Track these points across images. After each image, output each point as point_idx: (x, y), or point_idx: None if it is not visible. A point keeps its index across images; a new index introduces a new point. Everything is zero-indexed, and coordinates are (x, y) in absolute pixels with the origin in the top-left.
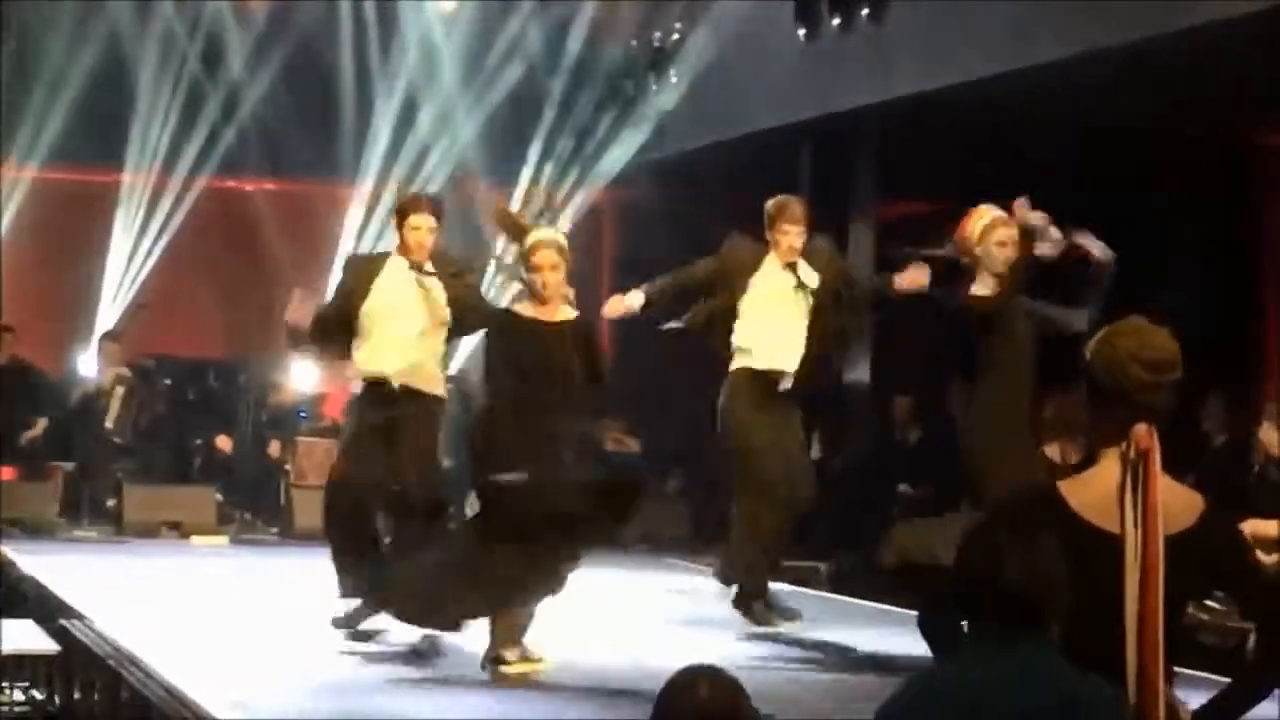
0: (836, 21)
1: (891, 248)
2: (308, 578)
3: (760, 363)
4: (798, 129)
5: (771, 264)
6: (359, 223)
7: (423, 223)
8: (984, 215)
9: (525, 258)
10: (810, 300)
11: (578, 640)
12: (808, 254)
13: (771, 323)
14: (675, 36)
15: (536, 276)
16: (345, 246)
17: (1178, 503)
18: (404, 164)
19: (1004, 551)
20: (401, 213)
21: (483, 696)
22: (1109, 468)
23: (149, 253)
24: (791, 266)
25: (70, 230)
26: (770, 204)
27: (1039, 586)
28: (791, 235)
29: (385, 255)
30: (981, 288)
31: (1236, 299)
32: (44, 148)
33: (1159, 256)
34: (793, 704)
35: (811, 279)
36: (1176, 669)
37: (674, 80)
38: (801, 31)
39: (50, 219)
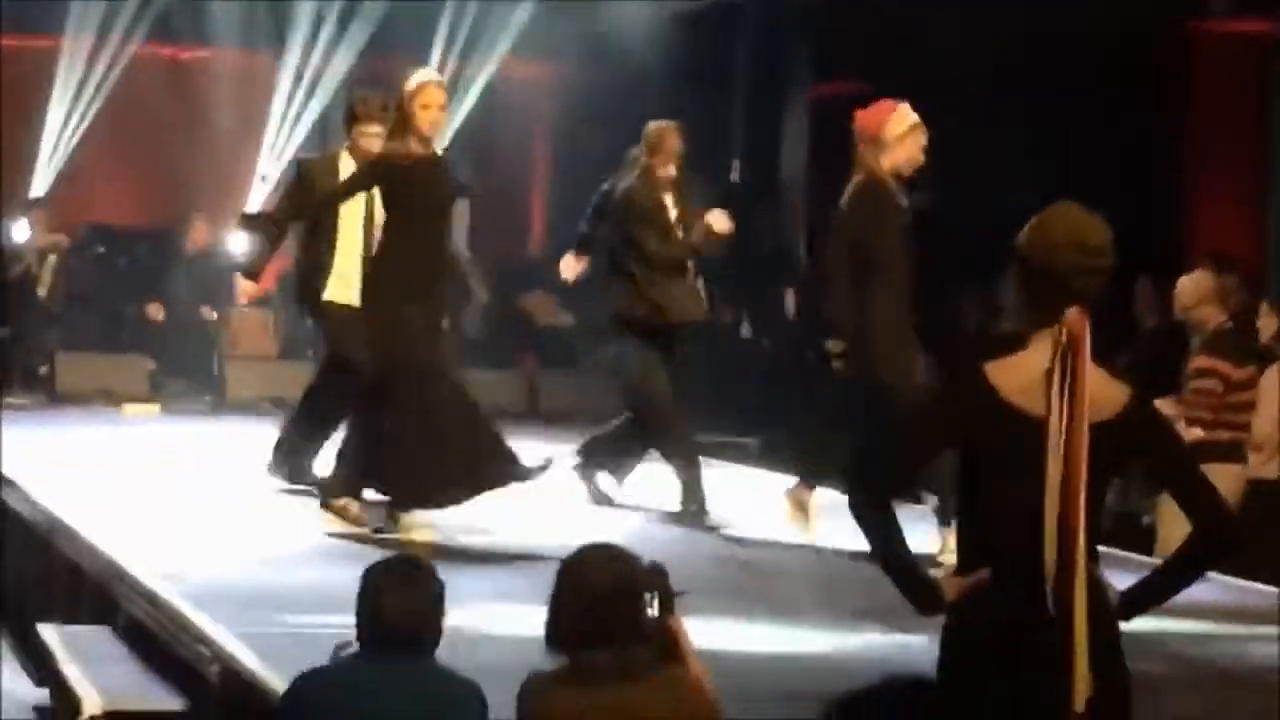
0: None
1: (825, 130)
2: (239, 447)
3: None
4: (732, 8)
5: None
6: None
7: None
8: (907, 116)
9: (412, 97)
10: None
11: (502, 515)
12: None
13: None
14: None
15: (425, 114)
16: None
17: (1105, 391)
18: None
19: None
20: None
21: None
22: (1038, 351)
23: (83, 119)
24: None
25: (6, 95)
26: (652, 130)
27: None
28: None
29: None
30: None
31: (1165, 186)
32: None
33: (1090, 148)
34: (710, 581)
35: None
36: (1101, 548)
37: None
38: None
39: None
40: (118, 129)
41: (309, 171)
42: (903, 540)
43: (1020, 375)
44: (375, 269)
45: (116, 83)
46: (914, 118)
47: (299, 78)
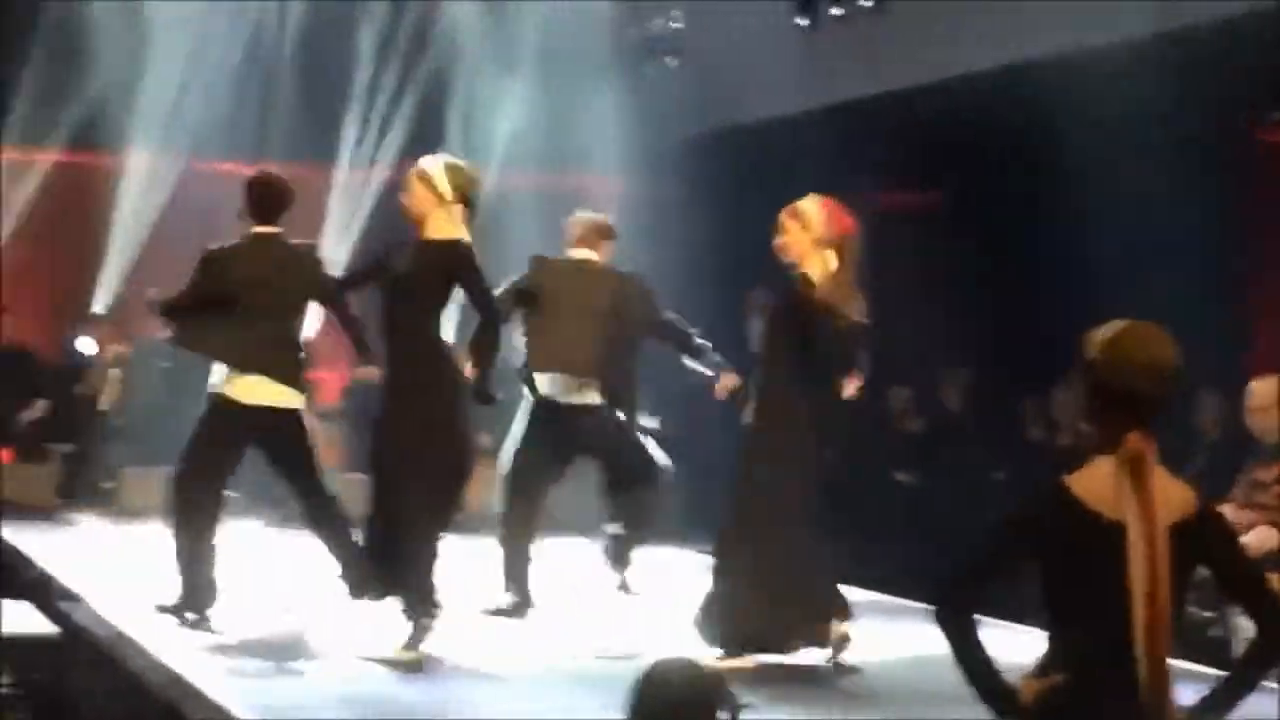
0: (836, 11)
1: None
2: (304, 560)
3: None
4: (797, 120)
5: None
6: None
7: None
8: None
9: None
10: None
11: (554, 621)
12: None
13: None
14: (673, 24)
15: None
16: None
17: (1173, 494)
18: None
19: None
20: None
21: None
22: (1108, 462)
23: (143, 231)
24: None
25: (70, 211)
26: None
27: None
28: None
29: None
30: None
31: (1225, 299)
32: (46, 130)
33: (1150, 254)
34: (778, 692)
35: None
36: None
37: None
38: (801, 20)
39: (49, 200)
40: (178, 240)
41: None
42: (981, 648)
43: (1096, 483)
44: None
45: (177, 195)
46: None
47: (347, 188)
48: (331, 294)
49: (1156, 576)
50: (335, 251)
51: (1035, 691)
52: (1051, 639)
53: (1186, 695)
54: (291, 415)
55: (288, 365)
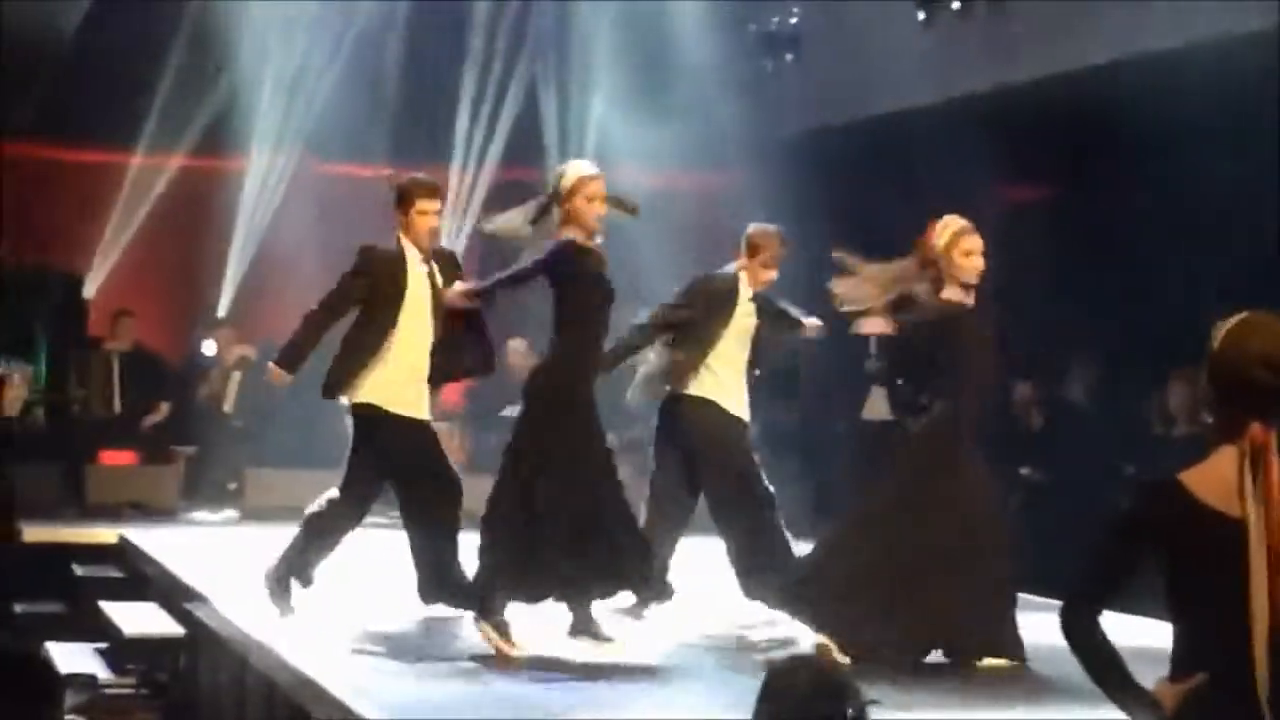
0: (956, 5)
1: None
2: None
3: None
4: (915, 114)
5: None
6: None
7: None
8: (949, 225)
9: (574, 191)
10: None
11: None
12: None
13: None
14: (792, 19)
15: (590, 208)
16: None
17: None
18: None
19: None
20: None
21: (606, 687)
22: (1228, 456)
23: (265, 233)
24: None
25: (196, 214)
26: (756, 232)
27: None
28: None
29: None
30: (950, 295)
31: None
32: (171, 136)
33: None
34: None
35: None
36: None
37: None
38: (920, 14)
39: (174, 203)
40: (298, 243)
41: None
42: (1116, 655)
43: (1214, 480)
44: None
45: (297, 198)
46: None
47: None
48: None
49: (1277, 573)
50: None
51: (1175, 696)
52: (1177, 638)
53: None
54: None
55: None
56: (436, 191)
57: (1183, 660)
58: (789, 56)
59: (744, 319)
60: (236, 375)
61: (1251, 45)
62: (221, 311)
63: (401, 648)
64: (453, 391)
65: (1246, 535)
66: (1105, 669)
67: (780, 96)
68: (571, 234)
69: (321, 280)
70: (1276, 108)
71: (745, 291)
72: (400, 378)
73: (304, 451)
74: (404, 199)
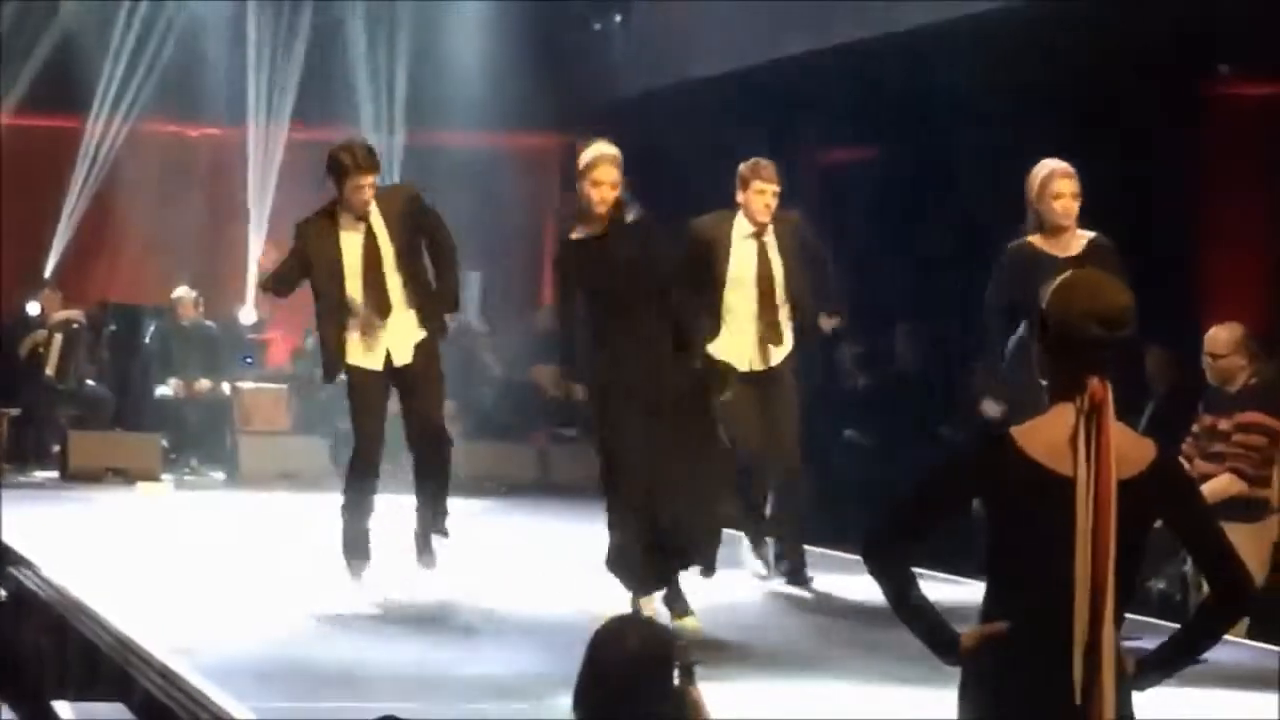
0: None
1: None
2: (253, 522)
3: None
4: (738, 77)
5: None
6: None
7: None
8: (1041, 168)
9: (584, 174)
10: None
11: (515, 586)
12: (777, 220)
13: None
14: None
15: (596, 191)
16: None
17: (1130, 449)
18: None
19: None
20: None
21: (426, 644)
22: (1062, 414)
23: (94, 195)
24: (760, 231)
25: (21, 175)
26: (743, 165)
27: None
28: (767, 195)
29: None
30: (1045, 239)
31: (1174, 252)
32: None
33: (1100, 210)
34: (736, 649)
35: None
36: (1126, 614)
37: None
38: None
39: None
40: (128, 205)
41: (303, 234)
42: (918, 589)
43: (1047, 437)
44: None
45: (126, 159)
46: None
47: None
48: None
49: (1102, 533)
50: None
51: (977, 638)
52: (994, 588)
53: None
54: None
55: None
56: (362, 162)
57: (991, 612)
58: (617, 18)
59: (745, 260)
60: (59, 338)
61: (1066, 7)
62: (47, 273)
63: (227, 610)
64: (280, 354)
65: (1072, 494)
66: (906, 600)
67: (608, 59)
68: (579, 226)
69: (152, 244)
70: (1093, 69)
71: (742, 228)
72: (356, 334)
73: (126, 415)
74: (332, 170)
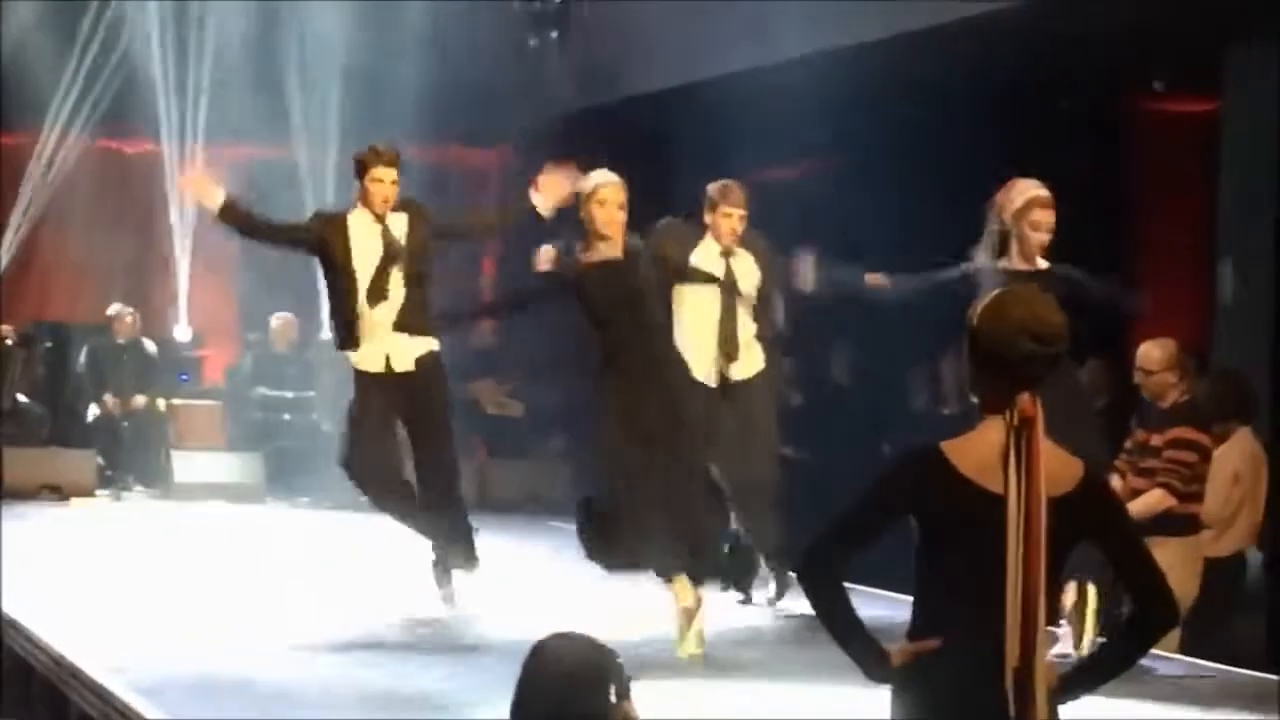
0: None
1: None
2: (187, 538)
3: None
4: (667, 94)
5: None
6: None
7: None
8: (1023, 191)
9: (588, 198)
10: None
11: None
12: (745, 243)
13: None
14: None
15: (601, 211)
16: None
17: (1059, 467)
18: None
19: None
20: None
21: (359, 661)
22: (993, 430)
23: (32, 214)
24: (728, 253)
25: None
26: (712, 187)
27: None
28: (734, 218)
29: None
30: (1011, 262)
31: (1107, 264)
32: None
33: None
34: (673, 668)
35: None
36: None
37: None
38: None
39: None
40: (66, 223)
41: (317, 220)
42: (850, 606)
43: (977, 453)
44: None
45: (65, 177)
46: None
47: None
48: None
49: (1032, 551)
50: None
51: (906, 654)
52: (924, 603)
53: None
54: None
55: None
56: (383, 159)
57: (922, 627)
58: (553, 34)
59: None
60: None
61: (1002, 22)
62: None
63: (161, 627)
64: (215, 371)
65: (1004, 510)
66: (835, 611)
67: (545, 75)
68: (587, 251)
69: (86, 262)
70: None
71: (710, 248)
72: (362, 335)
73: (61, 432)
74: (358, 167)
